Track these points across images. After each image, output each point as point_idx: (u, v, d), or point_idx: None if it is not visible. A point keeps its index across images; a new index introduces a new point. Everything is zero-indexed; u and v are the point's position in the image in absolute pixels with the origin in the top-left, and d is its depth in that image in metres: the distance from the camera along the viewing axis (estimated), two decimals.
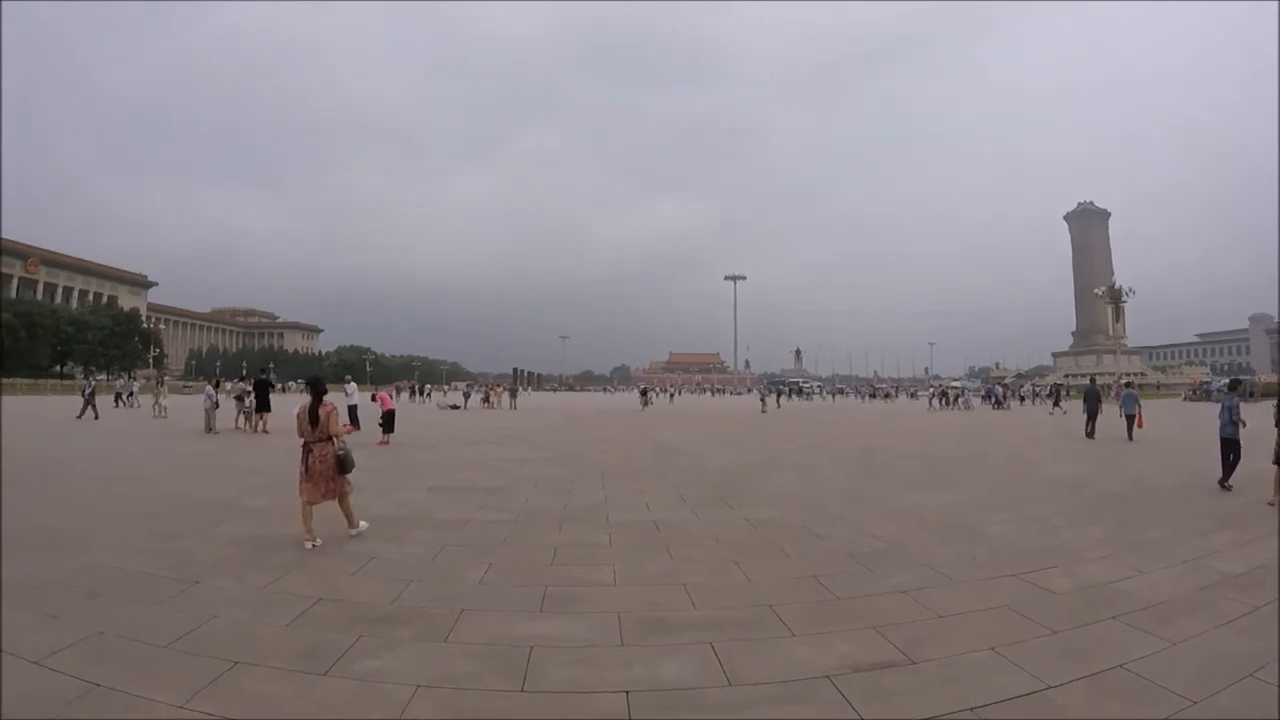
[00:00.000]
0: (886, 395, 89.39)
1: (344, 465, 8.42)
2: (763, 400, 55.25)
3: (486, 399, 52.31)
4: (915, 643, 5.14)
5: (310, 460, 8.31)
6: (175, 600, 6.10)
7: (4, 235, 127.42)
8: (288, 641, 5.23)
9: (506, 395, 53.24)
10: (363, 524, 8.90)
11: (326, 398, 8.63)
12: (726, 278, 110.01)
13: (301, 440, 8.48)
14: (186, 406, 35.55)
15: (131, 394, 44.04)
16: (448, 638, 5.28)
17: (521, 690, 4.42)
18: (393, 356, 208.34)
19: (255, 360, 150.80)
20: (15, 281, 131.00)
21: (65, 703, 4.17)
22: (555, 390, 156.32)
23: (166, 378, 34.44)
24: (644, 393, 59.43)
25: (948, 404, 55.16)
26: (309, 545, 8.01)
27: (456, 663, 4.82)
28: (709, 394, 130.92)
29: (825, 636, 5.28)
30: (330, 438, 8.42)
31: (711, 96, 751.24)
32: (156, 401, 33.69)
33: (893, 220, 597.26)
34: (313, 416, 8.39)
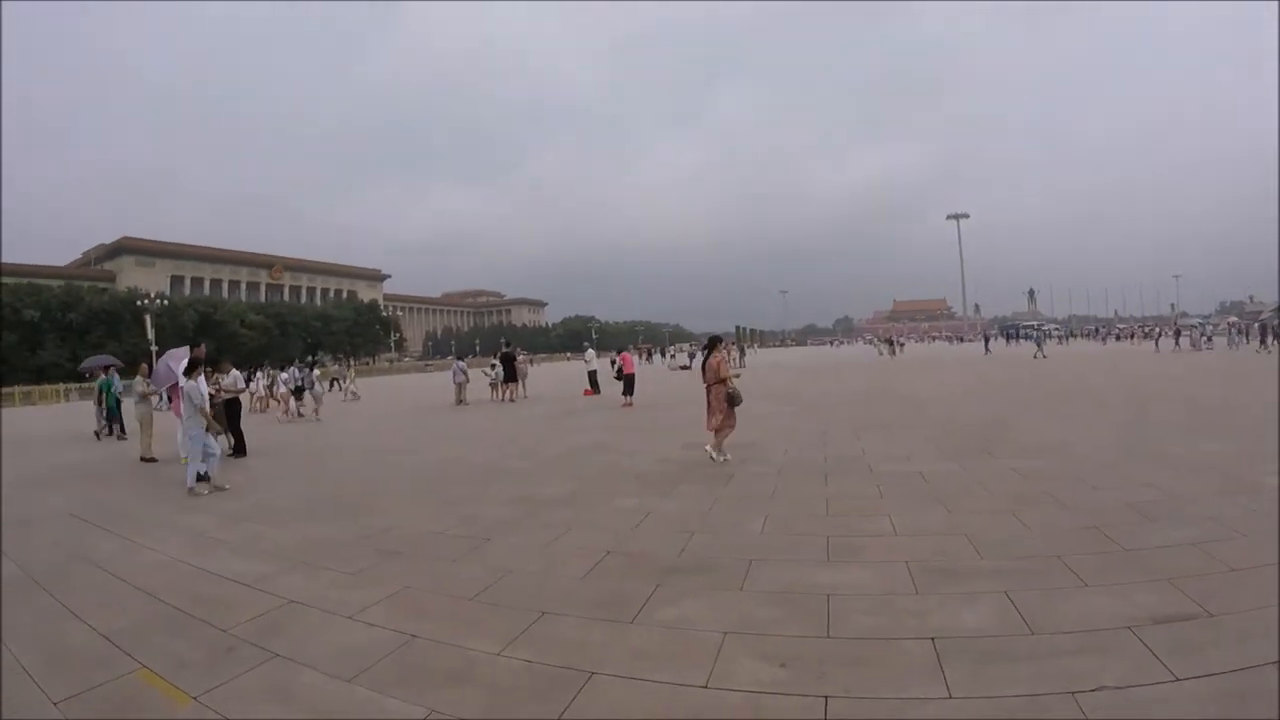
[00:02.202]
0: (1131, 336, 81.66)
1: (733, 400, 10.99)
2: (986, 342, 55.88)
3: (727, 357, 52.23)
4: (1210, 595, 4.78)
5: (710, 398, 11.26)
6: (470, 557, 6.53)
7: (250, 250, 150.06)
8: (587, 592, 5.47)
9: (736, 353, 53.25)
10: (728, 454, 11.06)
11: (713, 353, 11.55)
12: (949, 217, 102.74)
13: (706, 384, 11.42)
14: (418, 384, 38.24)
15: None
16: (742, 586, 5.36)
17: (827, 636, 4.44)
18: (616, 323, 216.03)
19: (486, 337, 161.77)
20: (263, 287, 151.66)
21: (387, 653, 4.50)
22: (778, 346, 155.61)
23: (354, 363, 36.33)
24: (889, 342, 59.70)
25: (1192, 344, 49.45)
26: (717, 459, 10.86)
27: (757, 610, 4.89)
28: (938, 341, 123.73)
29: (1120, 587, 5.01)
30: (722, 380, 11.10)
31: (916, 29, 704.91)
32: (344, 387, 36.15)
33: (1123, 143, 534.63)
34: (704, 367, 11.49)
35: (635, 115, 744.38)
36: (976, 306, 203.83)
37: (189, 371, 11.19)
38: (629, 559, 6.22)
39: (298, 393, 24.61)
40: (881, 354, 62.33)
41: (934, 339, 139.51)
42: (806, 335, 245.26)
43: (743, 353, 55.86)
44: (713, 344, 11.91)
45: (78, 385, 65.14)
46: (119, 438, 20.52)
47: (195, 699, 4.02)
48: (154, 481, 12.31)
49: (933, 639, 4.27)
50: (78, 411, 33.64)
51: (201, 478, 10.66)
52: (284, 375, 26.64)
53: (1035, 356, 43.69)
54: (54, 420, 31.66)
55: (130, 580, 6.36)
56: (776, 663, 4.08)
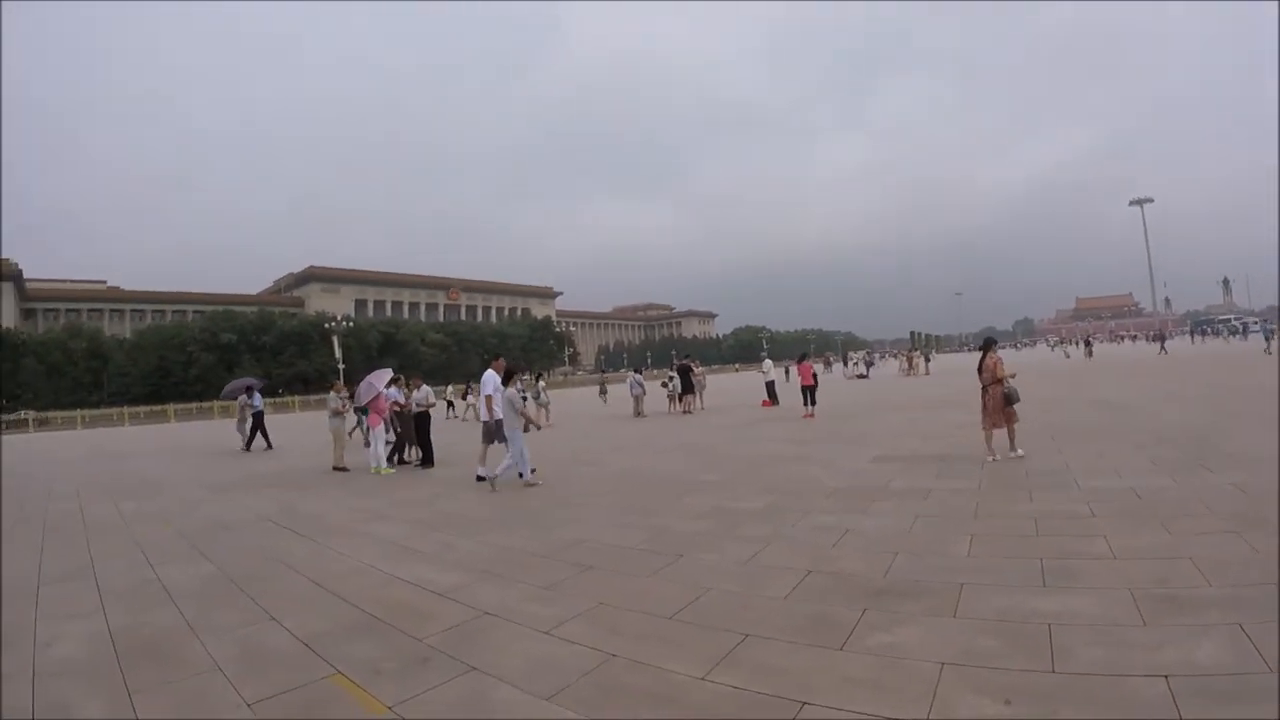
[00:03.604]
0: None
1: (1010, 398, 11.31)
2: (1162, 342, 55.30)
3: (910, 365, 51.03)
4: None
5: (985, 399, 11.57)
6: (665, 573, 6.35)
7: (428, 273, 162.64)
8: (791, 614, 5.18)
9: (922, 360, 51.67)
10: (1021, 450, 11.34)
11: (988, 354, 11.85)
12: (1131, 203, 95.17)
13: (982, 384, 11.72)
14: (594, 397, 38.72)
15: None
16: (956, 612, 5.05)
17: (1053, 670, 4.10)
18: (787, 332, 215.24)
19: (657, 350, 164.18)
20: (441, 307, 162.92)
21: (585, 672, 4.36)
22: (954, 352, 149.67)
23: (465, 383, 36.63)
24: (1087, 344, 59.33)
25: None
26: (990, 459, 11.09)
27: (974, 639, 4.57)
28: (1129, 340, 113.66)
29: None
30: (999, 380, 11.43)
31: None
32: (451, 403, 36.97)
33: None
34: (980, 367, 11.79)
35: (798, 117, 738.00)
36: (1167, 301, 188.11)
37: (506, 381, 12.24)
38: (832, 579, 5.91)
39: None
40: (1068, 356, 59.97)
41: (1122, 338, 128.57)
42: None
43: (927, 359, 54.27)
44: (988, 345, 12.30)
45: (271, 400, 70.81)
46: (265, 449, 22.57)
47: (390, 708, 4.01)
48: (346, 489, 12.99)
49: (1166, 677, 3.91)
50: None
51: (520, 475, 11.78)
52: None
53: (1267, 351, 39.59)
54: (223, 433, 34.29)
55: (325, 585, 6.57)
56: (1001, 698, 3.79)
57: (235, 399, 25.00)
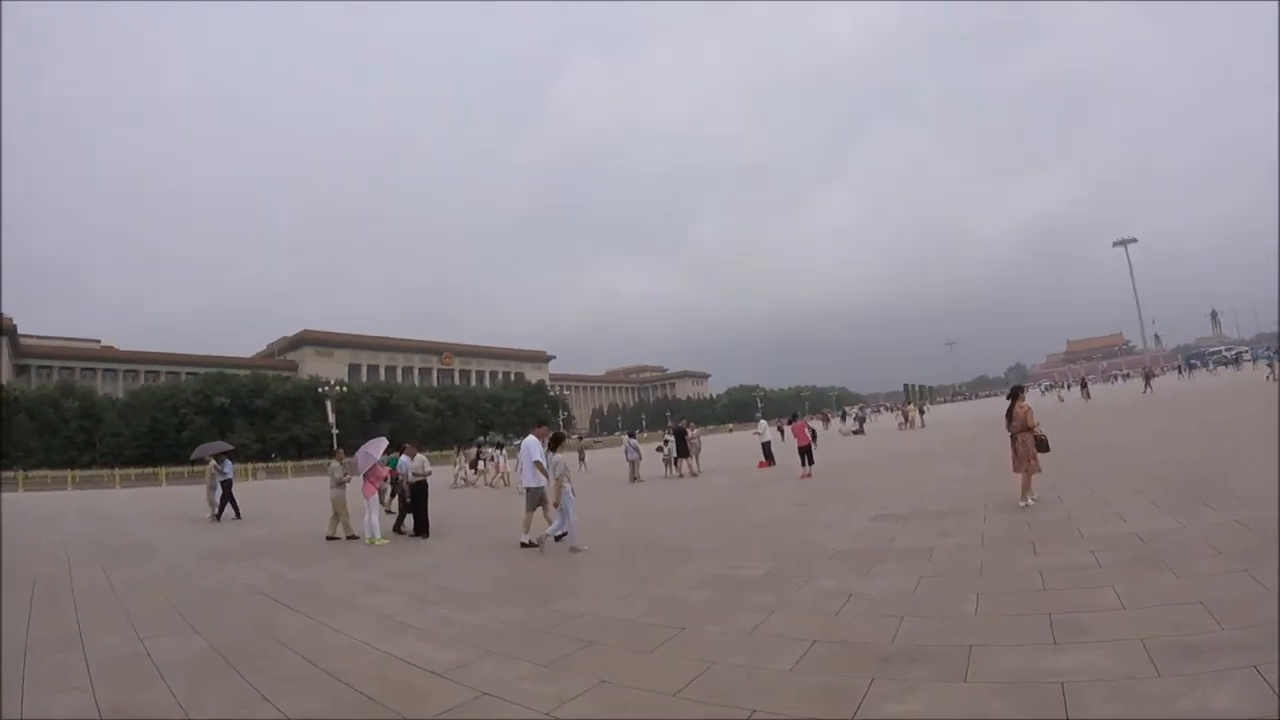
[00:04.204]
0: None
1: (1042, 445, 11.70)
2: (1147, 379, 56.53)
3: (906, 419, 51.13)
4: None
5: (1016, 446, 11.78)
6: (668, 646, 6.21)
7: (420, 337, 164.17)
8: (798, 686, 5.07)
9: (917, 414, 51.82)
10: (1031, 500, 11.56)
11: (1016, 402, 12.05)
12: (1115, 244, 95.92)
13: (1009, 433, 11.99)
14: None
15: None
16: (966, 676, 4.94)
17: None
18: (781, 389, 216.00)
19: (652, 412, 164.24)
20: (435, 372, 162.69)
21: None
22: (946, 402, 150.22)
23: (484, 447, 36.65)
24: (1083, 385, 60.72)
25: None
26: (1023, 504, 11.47)
27: (986, 703, 4.49)
28: (1121, 379, 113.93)
29: None
30: (1029, 428, 11.63)
31: (1051, 47, 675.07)
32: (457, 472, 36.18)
33: None
34: (1009, 415, 11.98)
35: (784, 174, 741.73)
36: (1156, 337, 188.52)
37: (553, 446, 12.70)
38: (839, 647, 5.79)
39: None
40: (1063, 400, 60.51)
41: (1115, 377, 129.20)
42: (978, 387, 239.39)
43: (922, 412, 54.43)
44: (1016, 393, 12.51)
45: (264, 465, 70.62)
46: (214, 519, 21.97)
47: None
48: (340, 560, 12.78)
49: None
50: (252, 490, 35.94)
51: (558, 538, 11.92)
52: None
53: (1271, 379, 39.69)
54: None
55: (320, 663, 6.40)
56: None
57: (205, 463, 24.41)
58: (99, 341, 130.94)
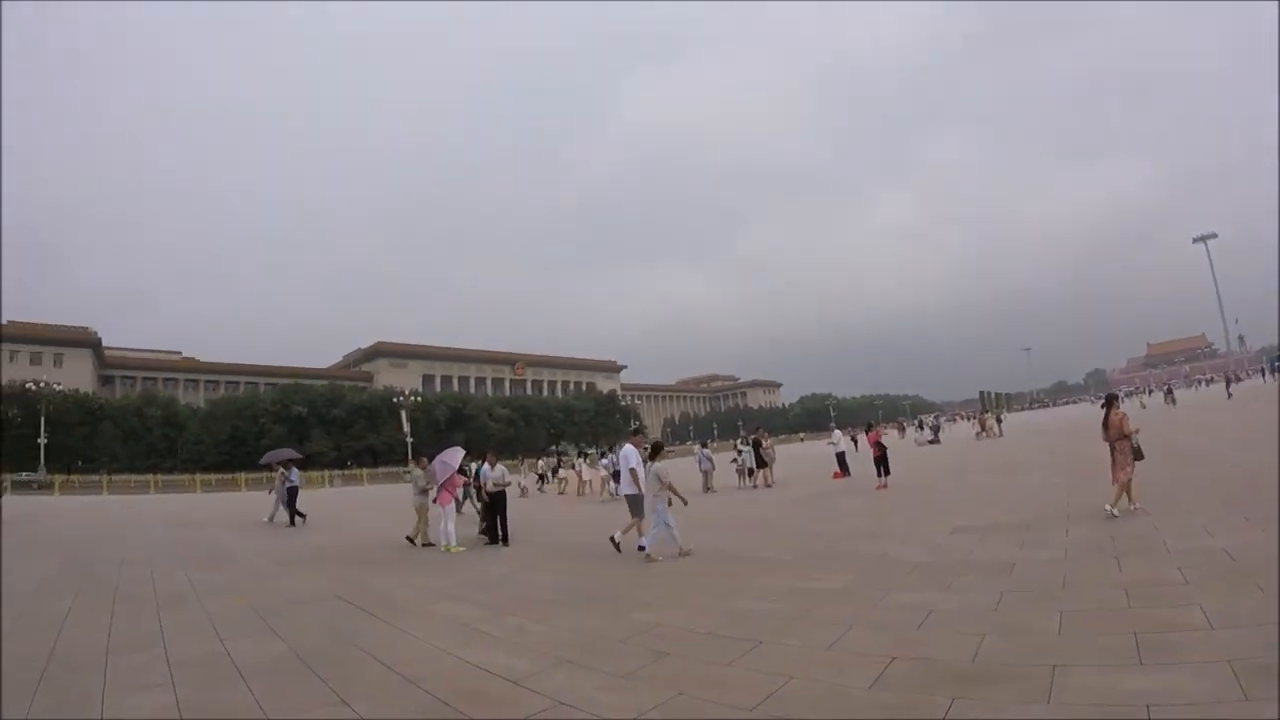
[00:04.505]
0: None
1: (1139, 453, 11.65)
2: (1227, 385, 54.68)
3: (983, 428, 49.99)
4: None
5: (1115, 454, 11.67)
6: (745, 660, 6.11)
7: (491, 348, 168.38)
8: (877, 705, 4.95)
9: (994, 422, 50.75)
10: (1132, 506, 11.46)
11: (1111, 410, 12.13)
12: (1195, 240, 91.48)
13: (1108, 440, 11.86)
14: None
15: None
16: (1050, 698, 4.77)
17: None
18: (853, 398, 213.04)
19: (723, 421, 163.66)
20: (507, 382, 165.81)
21: None
22: (1025, 409, 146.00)
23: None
24: (1168, 391, 60.62)
25: None
26: (1125, 510, 11.34)
27: None
28: (1205, 384, 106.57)
29: None
30: (1126, 436, 11.53)
31: (1118, 34, 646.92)
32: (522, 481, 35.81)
33: None
34: (1105, 423, 12.02)
35: (847, 176, 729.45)
36: (1240, 338, 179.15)
37: (653, 455, 13.07)
38: (918, 665, 5.63)
39: (615, 476, 26.40)
40: (1145, 407, 58.30)
41: (1199, 381, 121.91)
42: (1057, 394, 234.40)
43: (999, 420, 53.35)
44: (1110, 401, 12.87)
45: (341, 472, 72.46)
46: (289, 524, 22.42)
47: None
48: (415, 567, 13.00)
49: None
50: (328, 497, 36.76)
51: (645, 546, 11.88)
52: (604, 461, 28.68)
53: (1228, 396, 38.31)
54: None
55: (397, 669, 6.48)
56: None
57: (274, 469, 25.28)
58: (180, 353, 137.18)
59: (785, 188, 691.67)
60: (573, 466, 33.42)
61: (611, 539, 12.72)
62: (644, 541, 12.02)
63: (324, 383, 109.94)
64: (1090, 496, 13.08)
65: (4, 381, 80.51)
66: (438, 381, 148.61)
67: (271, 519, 23.46)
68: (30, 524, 25.21)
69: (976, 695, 4.88)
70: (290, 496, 23.30)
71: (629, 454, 13.00)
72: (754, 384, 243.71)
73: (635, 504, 12.72)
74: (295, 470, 24.39)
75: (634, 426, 19.97)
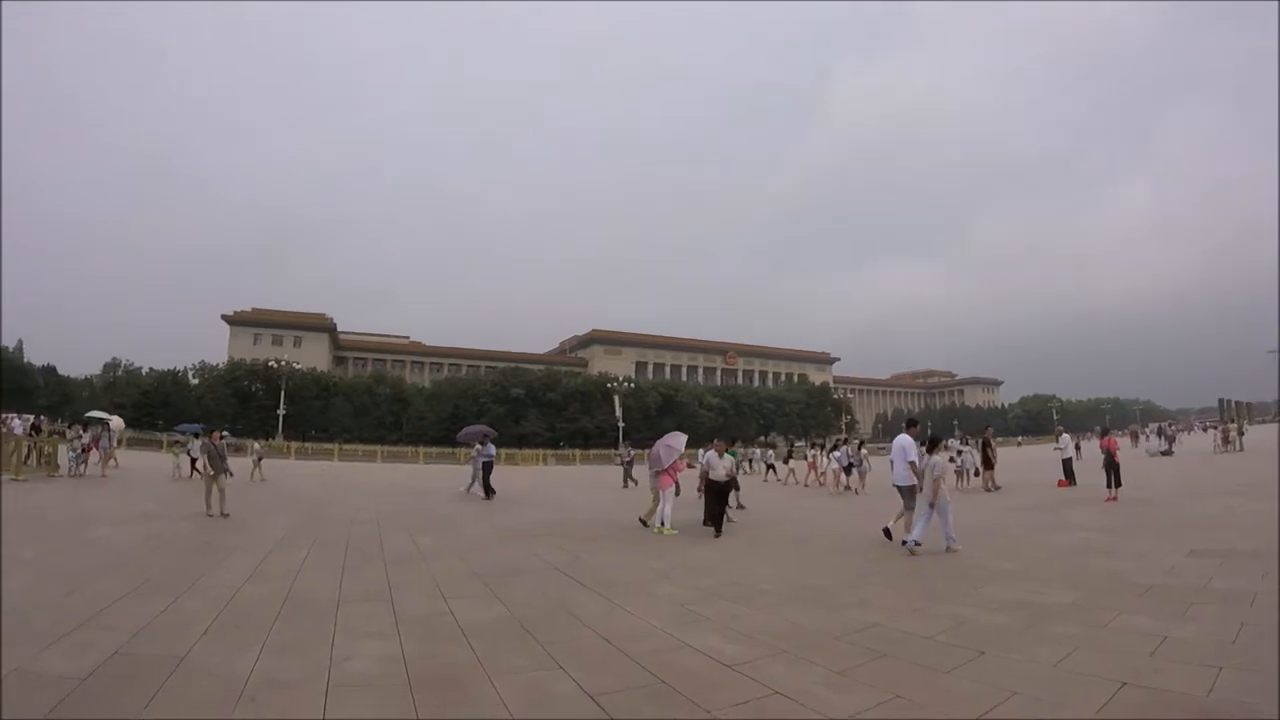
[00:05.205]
0: None
1: None
2: None
3: (1226, 440, 45.30)
4: None
5: None
6: (966, 669, 5.93)
7: (702, 337, 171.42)
8: None
9: (1236, 434, 46.18)
10: None
11: None
12: None
13: None
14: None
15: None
16: None
17: None
18: (1079, 400, 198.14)
19: (938, 419, 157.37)
20: (719, 372, 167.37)
21: None
22: (1270, 421, 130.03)
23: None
24: None
25: None
26: None
27: None
28: None
29: None
30: None
31: None
32: (772, 466, 36.06)
33: None
34: None
35: (1078, 164, 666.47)
36: None
37: (931, 448, 12.70)
38: (1150, 694, 5.24)
39: (847, 470, 26.96)
40: None
41: None
42: None
43: (1241, 433, 47.88)
44: None
45: (554, 452, 75.97)
46: (484, 498, 23.49)
47: None
48: (632, 547, 13.41)
49: None
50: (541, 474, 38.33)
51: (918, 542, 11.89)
52: (836, 454, 28.43)
53: None
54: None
55: (613, 641, 6.78)
56: None
57: (470, 445, 26.75)
58: (408, 338, 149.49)
59: (1013, 176, 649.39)
60: (804, 457, 33.11)
61: (885, 530, 12.86)
62: (911, 537, 11.95)
63: (541, 367, 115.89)
64: None
65: (249, 360, 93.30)
66: (650, 369, 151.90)
67: (469, 489, 25.10)
68: (272, 485, 27.92)
69: None
70: (485, 470, 24.45)
71: (905, 445, 12.94)
72: (972, 381, 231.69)
73: (907, 496, 12.75)
74: (490, 445, 25.59)
75: (909, 418, 19.21)
